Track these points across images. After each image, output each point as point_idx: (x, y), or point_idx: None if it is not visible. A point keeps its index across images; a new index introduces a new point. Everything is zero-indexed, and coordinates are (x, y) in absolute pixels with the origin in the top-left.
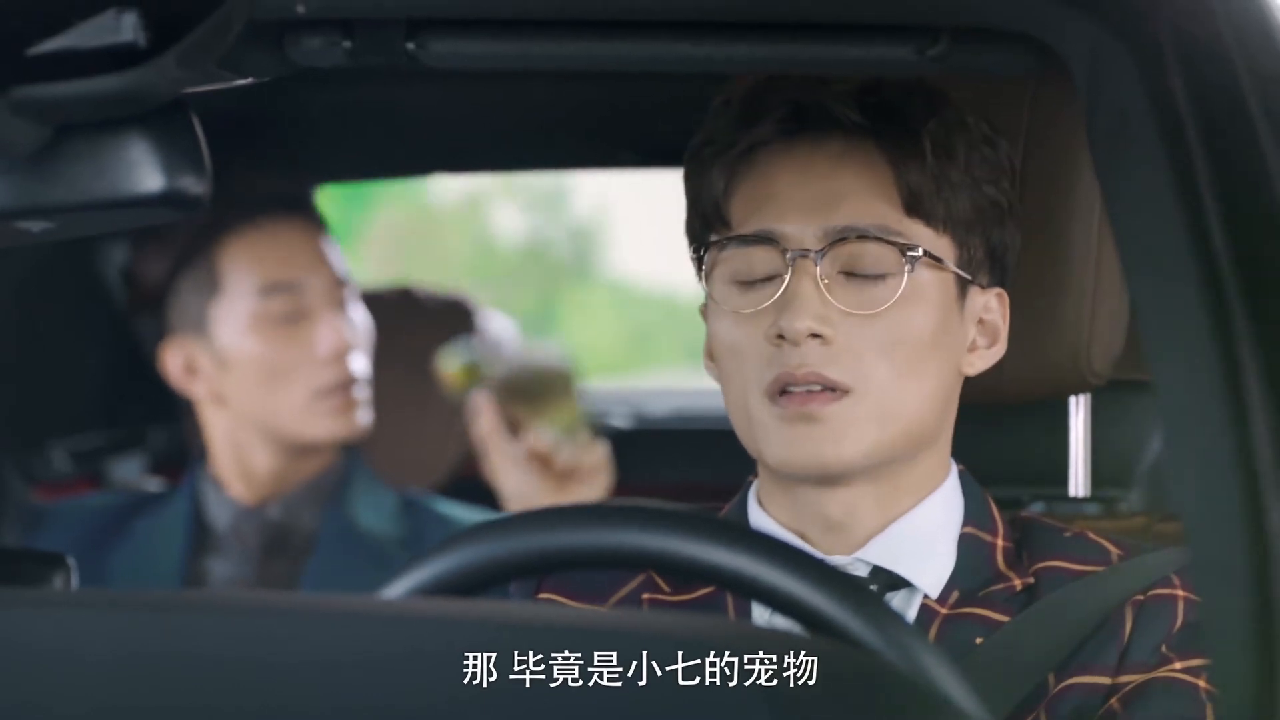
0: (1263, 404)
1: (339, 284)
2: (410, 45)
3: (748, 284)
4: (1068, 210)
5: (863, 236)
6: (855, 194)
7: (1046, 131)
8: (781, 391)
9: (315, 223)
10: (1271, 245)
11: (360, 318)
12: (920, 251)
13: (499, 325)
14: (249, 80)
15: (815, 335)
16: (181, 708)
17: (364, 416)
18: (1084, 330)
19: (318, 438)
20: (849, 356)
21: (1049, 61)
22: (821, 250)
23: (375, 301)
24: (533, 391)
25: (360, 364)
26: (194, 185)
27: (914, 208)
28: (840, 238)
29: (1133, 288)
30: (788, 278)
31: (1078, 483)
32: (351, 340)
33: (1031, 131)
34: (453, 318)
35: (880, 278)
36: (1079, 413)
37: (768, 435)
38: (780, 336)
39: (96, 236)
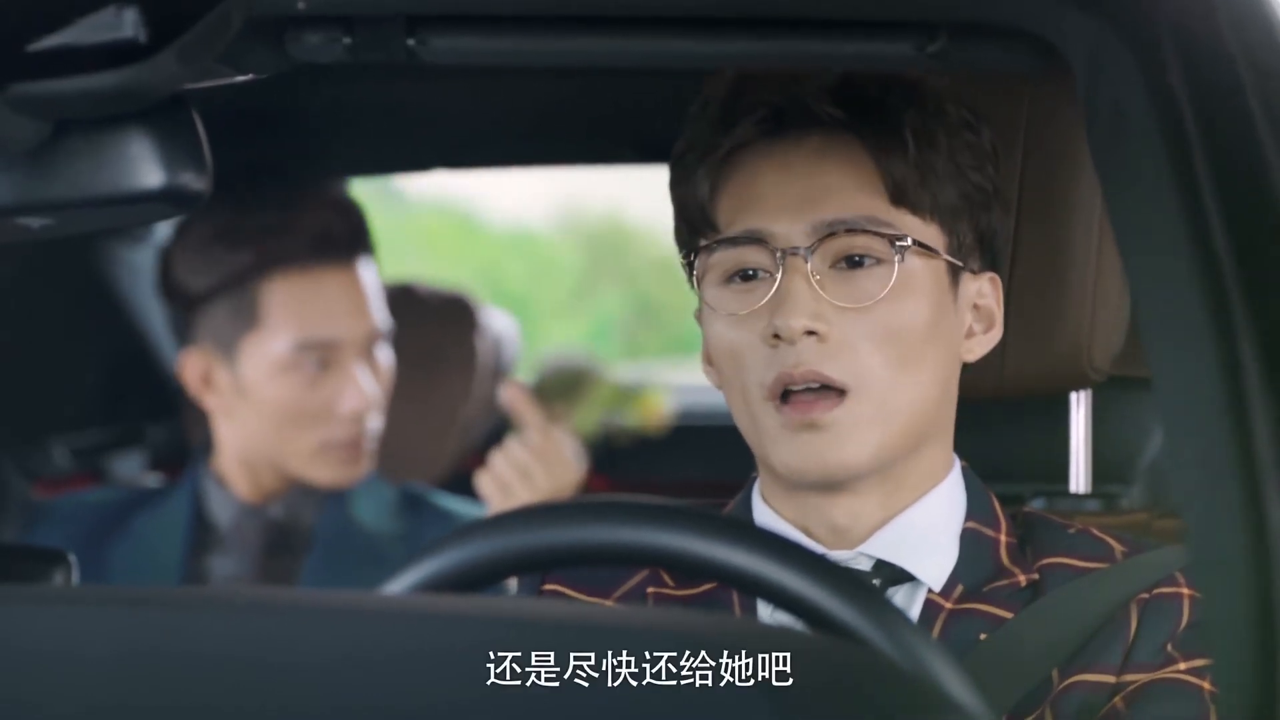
0: (1263, 400)
1: (374, 335)
2: (410, 41)
3: (740, 286)
4: (1068, 206)
5: (851, 230)
6: (840, 188)
7: (1046, 128)
8: (783, 394)
9: (364, 265)
10: (1271, 241)
11: (386, 361)
12: (909, 241)
13: (500, 322)
14: (249, 76)
15: (811, 332)
16: (187, 706)
17: (367, 465)
18: (1085, 326)
19: (318, 481)
20: (846, 352)
21: (1048, 58)
22: (811, 246)
23: None
24: (564, 391)
25: (376, 419)
26: (194, 181)
27: (900, 198)
28: (829, 232)
29: (1133, 284)
30: (779, 276)
31: (1078, 479)
32: (373, 398)
33: (1031, 128)
34: (454, 314)
35: (871, 269)
36: (1080, 409)
37: (774, 443)
38: (776, 336)
39: (97, 233)
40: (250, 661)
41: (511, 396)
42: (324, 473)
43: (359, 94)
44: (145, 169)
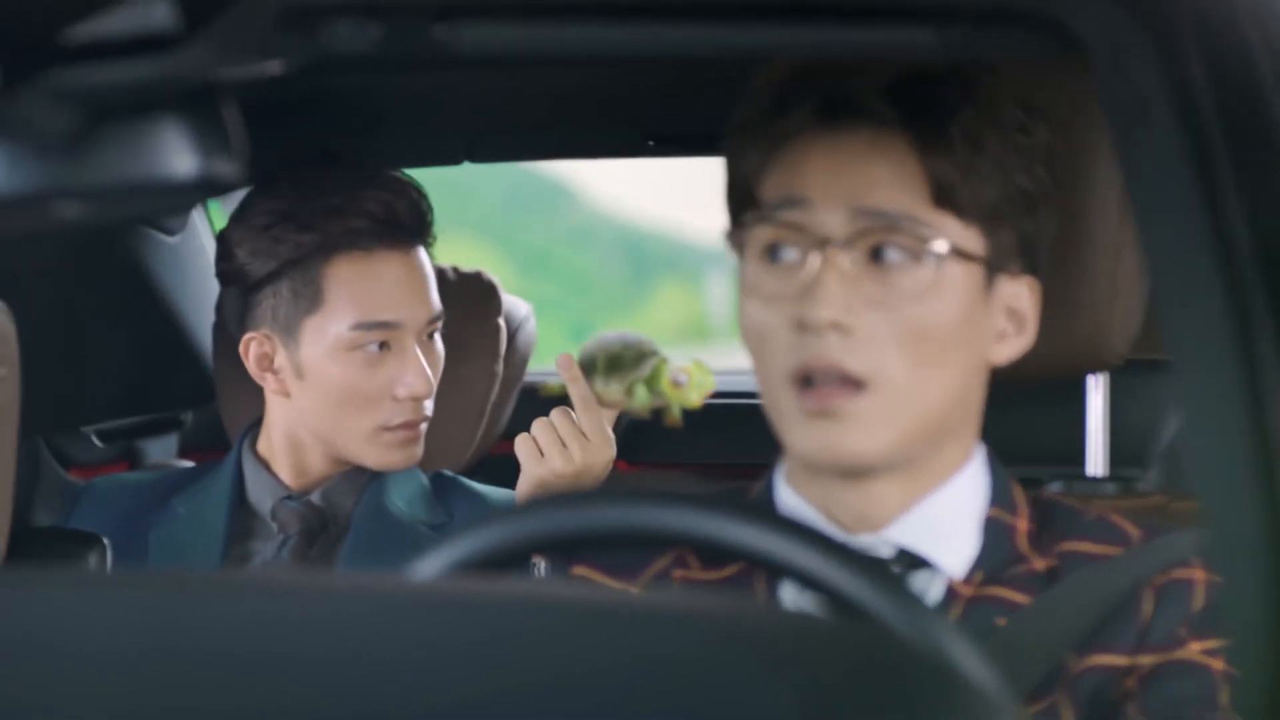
0: None
1: (433, 321)
2: (440, 30)
3: (774, 267)
4: (1088, 191)
5: (889, 226)
6: (883, 183)
7: (1067, 115)
8: (804, 381)
9: (425, 251)
10: None
11: (439, 348)
12: (946, 248)
13: (516, 306)
14: (281, 65)
15: (836, 325)
16: (221, 693)
17: (419, 450)
18: (1102, 310)
19: (372, 465)
20: (870, 348)
21: (1068, 45)
22: (849, 239)
23: None
24: (611, 369)
25: (430, 405)
26: (227, 169)
27: (943, 199)
28: (867, 225)
29: (1152, 269)
30: (813, 265)
31: (1095, 462)
32: (431, 383)
33: (1051, 115)
34: (477, 294)
35: (905, 269)
36: (1097, 392)
37: (791, 427)
38: (802, 324)
39: (133, 220)
40: (290, 650)
41: (563, 366)
42: (377, 456)
43: (382, 85)
44: (179, 157)
